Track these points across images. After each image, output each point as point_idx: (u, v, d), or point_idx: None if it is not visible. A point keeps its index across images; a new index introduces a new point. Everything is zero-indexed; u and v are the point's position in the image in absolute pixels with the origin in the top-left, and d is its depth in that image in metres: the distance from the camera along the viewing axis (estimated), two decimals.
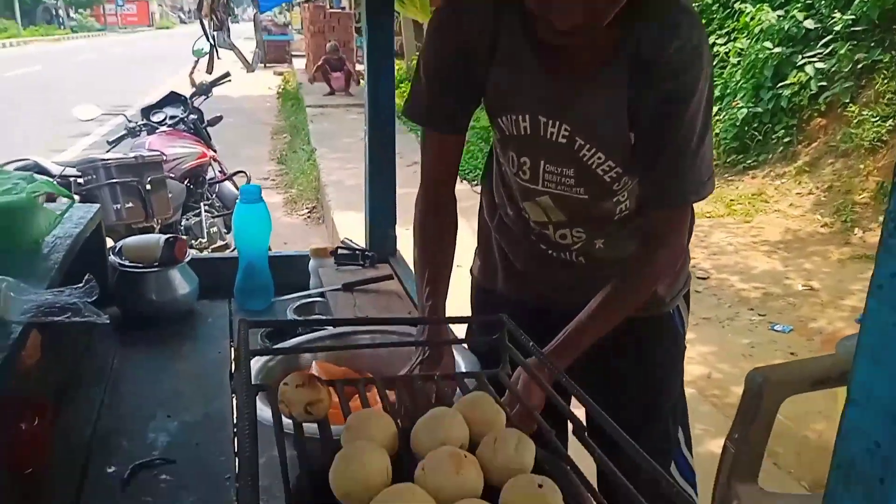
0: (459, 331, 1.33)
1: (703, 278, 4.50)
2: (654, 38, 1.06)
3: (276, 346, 1.35)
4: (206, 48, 3.80)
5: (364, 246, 2.11)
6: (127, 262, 1.71)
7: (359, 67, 13.07)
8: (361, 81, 12.25)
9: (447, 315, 1.20)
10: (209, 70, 1.69)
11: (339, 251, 2.00)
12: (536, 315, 1.29)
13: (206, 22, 1.45)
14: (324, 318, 1.70)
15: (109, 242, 1.84)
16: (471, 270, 1.59)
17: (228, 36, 1.46)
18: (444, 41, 1.22)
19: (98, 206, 1.78)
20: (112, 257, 1.73)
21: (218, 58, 1.56)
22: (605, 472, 0.66)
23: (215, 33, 1.41)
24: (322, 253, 1.98)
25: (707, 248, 5.03)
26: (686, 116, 1.08)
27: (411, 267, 2.03)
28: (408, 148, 8.33)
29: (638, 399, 1.41)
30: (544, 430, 0.74)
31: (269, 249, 1.87)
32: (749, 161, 6.48)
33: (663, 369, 1.45)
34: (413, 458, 0.67)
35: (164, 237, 1.74)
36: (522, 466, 0.63)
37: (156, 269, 1.69)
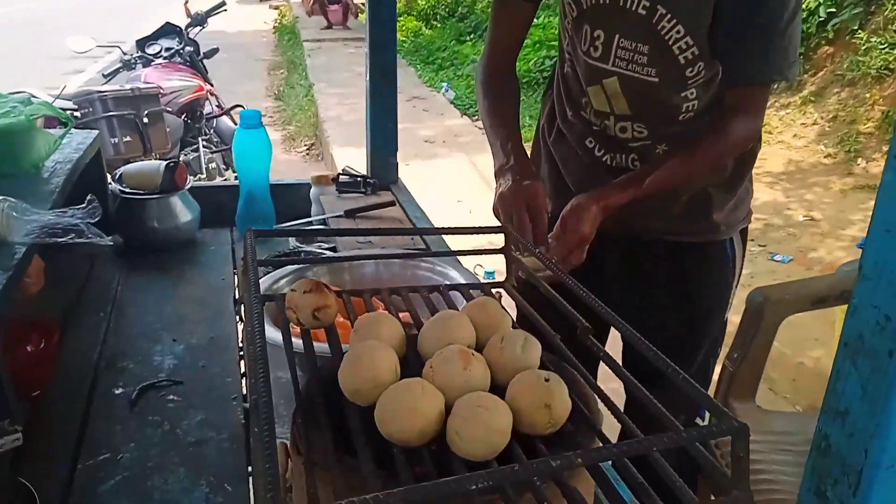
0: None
1: None
2: None
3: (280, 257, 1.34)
4: None
5: (366, 174, 2.09)
6: (128, 189, 1.70)
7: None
8: (360, 14, 12.01)
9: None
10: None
11: (341, 178, 1.98)
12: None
13: None
14: (326, 228, 1.74)
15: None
16: None
17: None
18: None
19: (97, 131, 1.76)
20: (113, 184, 1.72)
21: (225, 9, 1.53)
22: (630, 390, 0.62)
23: None
24: (324, 180, 1.96)
25: None
26: None
27: (412, 193, 2.04)
28: (408, 83, 8.24)
29: (678, 331, 1.39)
30: (546, 334, 0.74)
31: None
32: None
33: (709, 301, 1.42)
34: (420, 359, 0.68)
35: (164, 163, 1.72)
36: (528, 364, 0.64)
37: (157, 195, 1.69)
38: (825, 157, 5.19)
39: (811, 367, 2.84)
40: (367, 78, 2.05)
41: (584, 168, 1.38)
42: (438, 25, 12.08)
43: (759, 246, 4.03)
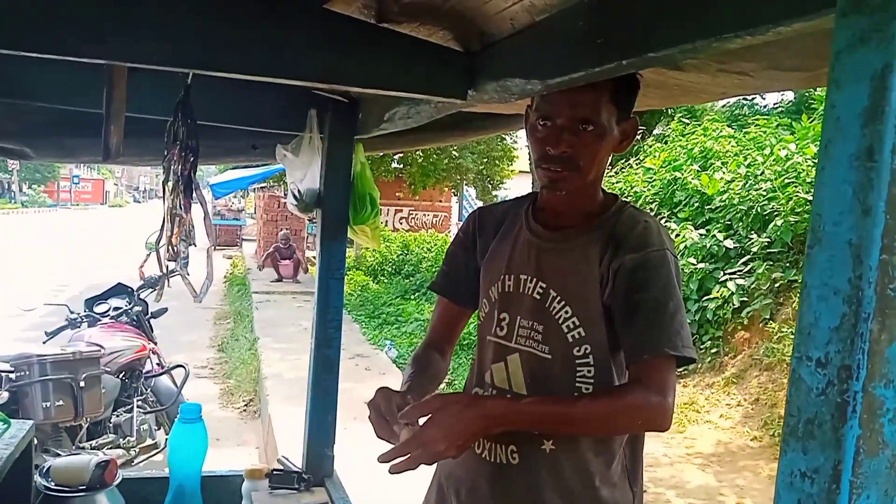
0: None
1: None
2: (626, 221, 1.33)
3: None
4: (161, 247, 3.89)
5: (300, 466, 2.09)
6: (53, 485, 1.67)
7: (308, 254, 13.39)
8: (310, 268, 12.52)
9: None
10: (157, 299, 1.79)
11: (275, 473, 1.98)
12: None
13: (161, 252, 1.54)
14: None
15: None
16: None
17: (185, 266, 1.54)
18: (465, 227, 1.57)
19: (31, 422, 1.76)
20: (38, 478, 1.69)
21: (169, 286, 1.63)
22: None
23: (169, 263, 1.49)
24: (257, 475, 1.95)
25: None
26: (656, 282, 1.26)
27: (347, 490, 2.04)
28: (352, 339, 8.42)
29: None
30: None
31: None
32: (680, 369, 6.69)
33: None
34: None
35: (95, 459, 1.71)
36: None
37: (81, 493, 1.65)
38: (751, 439, 5.36)
39: None
40: (311, 369, 2.14)
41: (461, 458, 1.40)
42: (385, 281, 12.66)
43: None
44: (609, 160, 1.39)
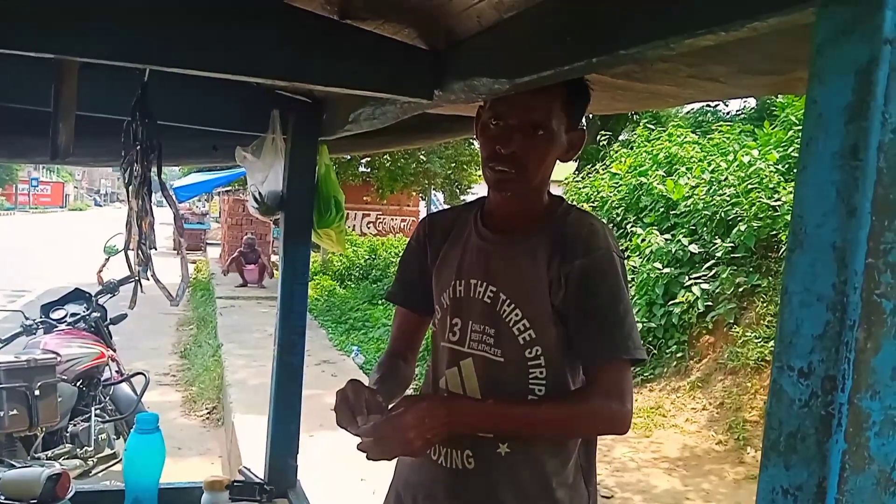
0: None
1: (608, 497, 4.49)
2: (572, 224, 1.33)
3: None
4: (119, 247, 3.83)
5: (262, 477, 2.04)
6: (2, 499, 1.59)
7: (274, 258, 13.23)
8: (276, 273, 12.38)
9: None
10: (131, 306, 1.74)
11: (236, 484, 1.92)
12: None
13: (130, 255, 1.48)
14: None
15: None
16: None
17: (153, 270, 1.50)
18: (416, 234, 1.55)
19: None
20: None
21: (142, 291, 1.58)
22: None
23: (139, 268, 1.43)
24: (217, 486, 1.88)
25: (610, 463, 5.08)
26: (606, 286, 1.28)
27: (311, 500, 1.99)
28: (318, 346, 8.32)
29: None
30: None
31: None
32: (646, 374, 6.76)
33: None
34: None
35: (46, 472, 1.64)
36: None
37: None
38: (717, 443, 5.40)
39: None
40: (273, 376, 2.09)
41: (416, 462, 1.43)
42: (352, 286, 12.56)
43: None
44: (553, 168, 1.38)
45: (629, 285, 1.37)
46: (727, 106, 16.94)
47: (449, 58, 1.28)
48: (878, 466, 0.50)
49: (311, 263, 2.16)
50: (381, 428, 1.21)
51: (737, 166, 7.58)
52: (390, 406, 1.26)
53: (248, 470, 2.06)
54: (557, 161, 1.37)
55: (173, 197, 1.74)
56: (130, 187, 1.58)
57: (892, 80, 0.47)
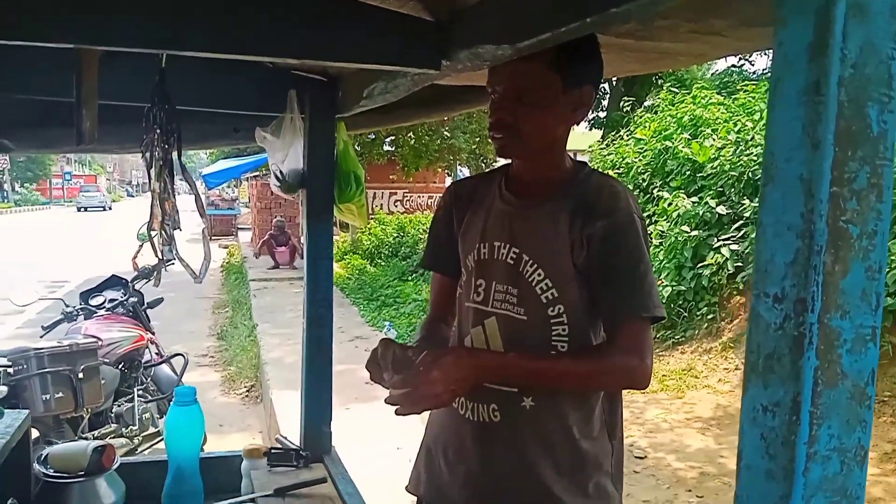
0: None
1: (641, 458, 4.53)
2: (594, 188, 1.37)
3: None
4: (154, 234, 3.92)
5: (298, 444, 2.11)
6: (51, 472, 1.68)
7: (304, 240, 13.37)
8: None
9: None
10: (155, 283, 1.82)
11: (273, 451, 2.00)
12: None
13: (154, 237, 1.54)
14: None
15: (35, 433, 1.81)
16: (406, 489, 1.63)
17: (176, 249, 1.55)
18: (442, 202, 1.60)
19: (27, 411, 1.77)
20: (37, 466, 1.71)
21: (165, 270, 1.64)
22: None
23: (164, 248, 1.49)
24: (255, 454, 1.97)
25: (643, 425, 5.11)
26: (626, 247, 1.31)
27: (346, 465, 2.06)
28: (350, 323, 8.44)
29: None
30: None
31: (204, 446, 1.87)
32: (677, 336, 6.75)
33: None
34: None
35: (92, 445, 1.73)
36: None
37: (80, 479, 1.67)
38: None
39: None
40: (304, 349, 2.15)
41: (445, 419, 1.50)
42: (382, 264, 12.67)
43: (697, 497, 4.04)
44: (568, 128, 1.40)
45: (650, 246, 1.41)
46: (752, 65, 16.59)
47: (453, 28, 1.30)
48: (851, 381, 0.53)
49: (341, 243, 2.21)
50: (408, 380, 1.26)
51: (763, 125, 7.45)
52: (418, 360, 1.31)
53: (285, 438, 2.14)
54: (567, 121, 1.38)
55: (191, 176, 1.80)
56: (152, 170, 1.65)
57: (849, 17, 0.50)
